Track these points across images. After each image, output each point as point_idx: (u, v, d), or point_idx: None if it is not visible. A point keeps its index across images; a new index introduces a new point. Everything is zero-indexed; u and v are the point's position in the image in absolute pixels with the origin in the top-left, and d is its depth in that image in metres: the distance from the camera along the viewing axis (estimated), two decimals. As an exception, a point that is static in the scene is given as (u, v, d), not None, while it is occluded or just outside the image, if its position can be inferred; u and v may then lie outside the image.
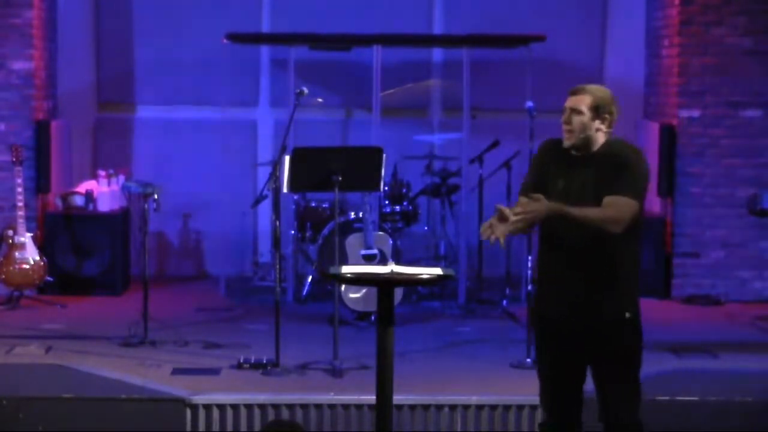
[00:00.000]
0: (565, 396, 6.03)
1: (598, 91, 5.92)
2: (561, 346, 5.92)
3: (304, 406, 7.49)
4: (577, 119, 5.90)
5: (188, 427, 7.40)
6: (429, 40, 11.86)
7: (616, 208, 5.68)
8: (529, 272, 8.89)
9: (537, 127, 8.75)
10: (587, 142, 5.89)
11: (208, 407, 7.43)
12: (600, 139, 5.88)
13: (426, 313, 10.21)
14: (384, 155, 9.09)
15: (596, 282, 5.80)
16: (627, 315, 5.81)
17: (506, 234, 5.75)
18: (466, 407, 7.50)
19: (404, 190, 10.62)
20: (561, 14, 11.81)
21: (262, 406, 7.47)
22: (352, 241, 9.71)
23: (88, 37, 11.86)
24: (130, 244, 11.01)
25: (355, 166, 8.77)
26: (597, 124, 5.87)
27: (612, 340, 5.83)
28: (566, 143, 5.97)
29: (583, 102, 5.90)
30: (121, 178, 11.18)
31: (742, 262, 10.94)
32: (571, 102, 5.94)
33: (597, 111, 5.86)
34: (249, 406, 7.45)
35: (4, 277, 10.17)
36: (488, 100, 11.67)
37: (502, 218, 5.79)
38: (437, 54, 12.00)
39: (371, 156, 9.07)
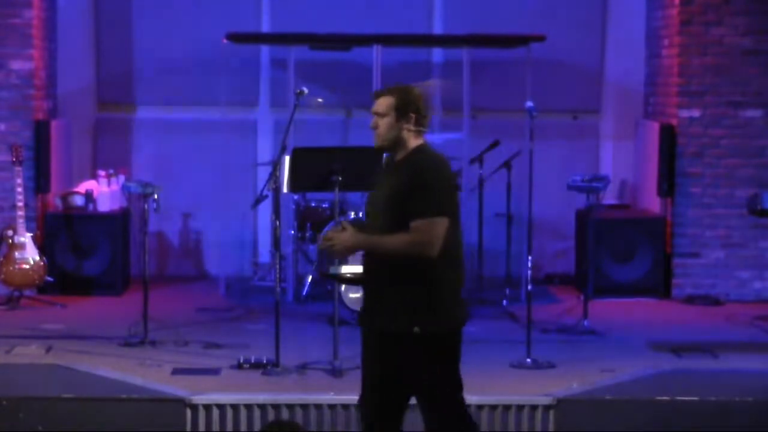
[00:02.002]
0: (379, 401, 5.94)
1: (401, 91, 5.87)
2: (368, 352, 5.89)
3: (304, 406, 7.50)
4: (382, 122, 5.85)
5: (188, 427, 7.40)
6: (429, 40, 11.86)
7: (422, 231, 5.62)
8: (529, 272, 8.90)
9: (537, 127, 8.74)
10: (397, 143, 5.84)
11: (208, 407, 7.43)
12: (410, 140, 5.82)
13: (426, 313, 10.19)
14: (384, 155, 9.08)
15: (384, 292, 5.76)
16: (415, 330, 5.68)
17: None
18: (466, 407, 7.49)
19: (404, 190, 10.60)
20: (561, 14, 11.81)
21: (262, 406, 7.47)
22: (352, 241, 9.69)
23: (88, 37, 11.86)
24: (130, 244, 11.01)
25: (355, 166, 8.77)
26: (403, 124, 5.81)
27: (398, 353, 5.73)
28: (376, 146, 5.92)
29: (385, 104, 5.84)
30: (121, 178, 11.18)
31: (742, 262, 10.94)
32: (375, 106, 5.89)
33: (401, 111, 5.80)
34: (249, 406, 7.45)
35: (4, 277, 10.17)
36: (488, 100, 11.67)
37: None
38: (437, 54, 12.00)
39: (371, 156, 9.05)
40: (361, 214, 9.91)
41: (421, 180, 5.69)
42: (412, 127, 5.82)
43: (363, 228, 5.89)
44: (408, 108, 5.81)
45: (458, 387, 5.85)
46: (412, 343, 5.70)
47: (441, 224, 5.65)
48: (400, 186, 5.72)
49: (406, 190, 5.68)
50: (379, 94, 5.90)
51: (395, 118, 5.81)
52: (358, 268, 5.96)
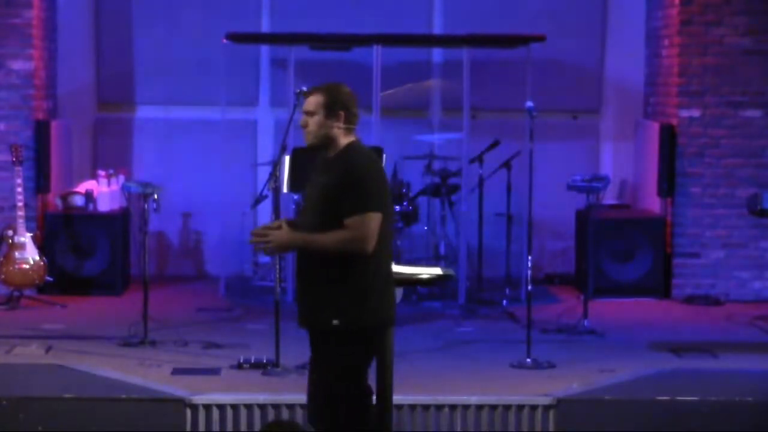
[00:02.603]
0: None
1: (330, 89, 5.92)
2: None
3: (304, 406, 7.46)
4: (311, 120, 5.89)
5: (188, 427, 7.39)
6: (429, 40, 11.85)
7: (356, 228, 5.69)
8: (529, 272, 8.90)
9: (537, 127, 8.74)
10: (328, 141, 5.89)
11: (208, 407, 7.43)
12: (340, 138, 5.88)
13: (426, 314, 10.21)
14: (384, 155, 9.09)
15: (310, 286, 5.84)
16: (335, 323, 5.76)
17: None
18: (466, 407, 7.49)
19: (404, 190, 10.61)
20: (561, 14, 11.81)
21: (262, 406, 7.47)
22: (352, 241, 9.69)
23: (88, 37, 11.87)
24: (130, 244, 11.00)
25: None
26: (332, 122, 5.86)
27: (318, 346, 5.85)
28: (307, 144, 5.96)
29: (314, 102, 5.88)
30: (121, 178, 11.19)
31: (742, 262, 10.94)
32: (305, 104, 5.93)
33: (330, 109, 5.85)
34: (249, 406, 7.45)
35: (4, 277, 10.17)
36: (488, 100, 11.67)
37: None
38: (437, 54, 12.00)
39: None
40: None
41: (352, 177, 5.75)
42: (341, 125, 5.87)
43: (297, 225, 5.92)
44: (337, 106, 5.86)
45: (362, 391, 5.88)
46: (331, 336, 5.77)
47: (374, 219, 5.73)
48: (331, 183, 5.78)
49: (338, 188, 5.74)
50: (308, 93, 5.95)
51: (324, 116, 5.86)
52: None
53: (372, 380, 6.12)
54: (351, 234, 5.70)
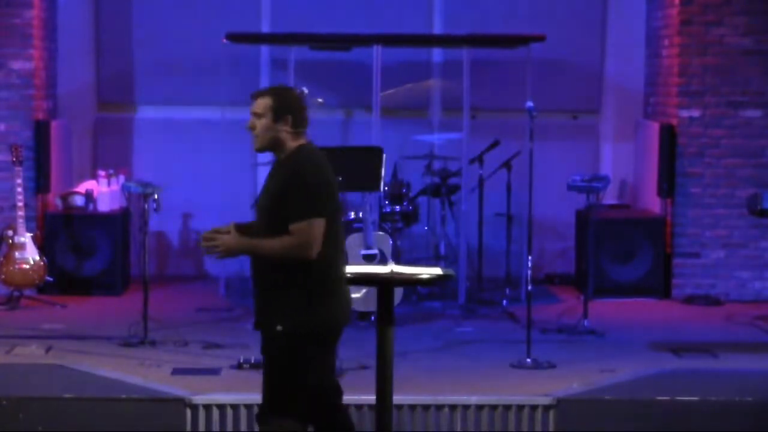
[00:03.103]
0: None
1: (279, 92, 5.90)
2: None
3: (304, 406, 7.48)
4: (259, 123, 5.85)
5: (188, 427, 7.40)
6: (429, 40, 11.85)
7: (300, 234, 5.66)
8: (529, 272, 8.90)
9: (537, 127, 8.74)
10: (276, 144, 5.85)
11: (208, 407, 7.43)
12: (288, 141, 5.83)
13: (426, 313, 10.21)
14: (384, 155, 9.10)
15: (260, 291, 5.86)
16: (278, 328, 5.74)
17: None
18: (466, 407, 7.50)
19: (404, 190, 10.61)
20: (561, 14, 11.81)
21: (262, 406, 7.46)
22: (352, 241, 9.71)
23: (88, 37, 11.87)
24: (130, 244, 11.01)
25: (355, 166, 8.78)
26: (280, 125, 5.82)
27: (266, 350, 5.82)
28: (254, 147, 5.93)
29: (262, 105, 5.85)
30: (121, 178, 11.19)
31: (742, 262, 10.95)
32: (252, 107, 5.89)
33: (278, 112, 5.81)
34: (249, 406, 7.44)
35: (4, 277, 10.17)
36: (488, 100, 11.68)
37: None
38: (437, 54, 12.00)
39: (371, 156, 9.08)
40: (361, 214, 9.92)
41: (298, 181, 5.71)
42: (289, 129, 5.82)
43: (248, 229, 5.90)
44: (284, 110, 5.82)
45: (307, 397, 5.82)
46: (278, 341, 5.75)
47: (318, 226, 5.69)
48: (279, 187, 5.75)
49: (285, 192, 5.72)
50: (256, 95, 5.91)
51: (272, 119, 5.82)
52: (359, 268, 5.97)
53: (371, 380, 6.12)
54: (295, 240, 5.68)
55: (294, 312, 5.74)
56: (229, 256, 5.91)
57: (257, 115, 5.86)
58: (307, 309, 5.75)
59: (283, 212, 5.70)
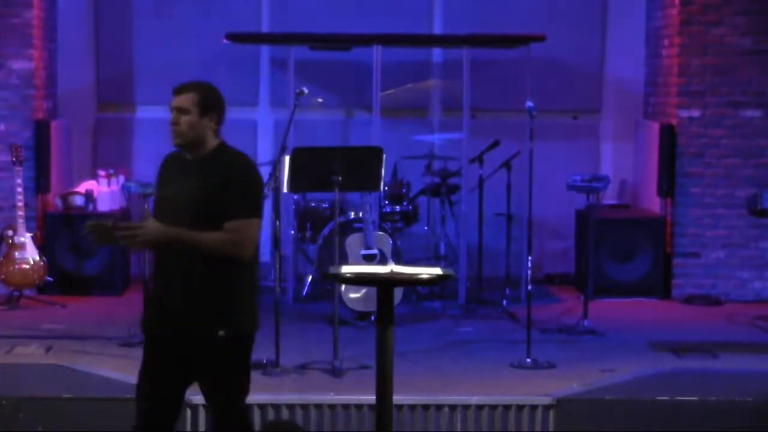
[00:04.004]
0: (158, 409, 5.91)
1: (204, 87, 5.72)
2: (161, 361, 5.77)
3: (304, 406, 7.49)
4: (184, 118, 5.65)
5: (188, 427, 7.39)
6: (429, 40, 11.85)
7: (237, 232, 5.52)
8: (529, 272, 8.90)
9: (537, 127, 8.74)
10: (198, 141, 5.67)
11: (208, 407, 7.41)
12: (210, 139, 5.69)
13: (426, 313, 10.21)
14: (384, 155, 9.09)
15: (188, 296, 5.59)
16: (220, 333, 5.57)
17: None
18: (466, 407, 7.49)
19: (404, 190, 10.62)
20: (561, 14, 11.81)
21: (262, 406, 7.47)
22: (352, 241, 9.71)
23: (88, 37, 11.86)
24: (130, 244, 10.98)
25: (355, 166, 8.77)
26: (206, 121, 5.67)
27: (202, 357, 5.63)
28: (175, 143, 5.70)
29: (189, 100, 5.66)
30: (121, 178, 11.19)
31: (742, 262, 10.94)
32: (177, 101, 5.69)
33: (204, 108, 5.66)
34: (249, 406, 7.43)
35: (4, 277, 10.17)
36: (488, 100, 11.67)
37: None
38: (437, 54, 12.00)
39: (371, 156, 9.07)
40: (361, 214, 9.91)
41: (235, 179, 5.57)
42: (213, 125, 5.69)
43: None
44: (210, 106, 5.68)
45: (246, 396, 5.81)
46: (215, 346, 5.60)
47: (256, 226, 5.59)
48: (209, 185, 5.56)
49: (219, 189, 5.54)
50: (180, 90, 5.72)
51: (198, 115, 5.66)
52: (359, 268, 5.95)
53: (371, 380, 6.12)
54: (232, 237, 5.52)
55: (233, 315, 5.61)
56: (147, 246, 5.69)
57: (182, 110, 5.64)
58: (245, 312, 5.65)
59: (214, 210, 5.53)
